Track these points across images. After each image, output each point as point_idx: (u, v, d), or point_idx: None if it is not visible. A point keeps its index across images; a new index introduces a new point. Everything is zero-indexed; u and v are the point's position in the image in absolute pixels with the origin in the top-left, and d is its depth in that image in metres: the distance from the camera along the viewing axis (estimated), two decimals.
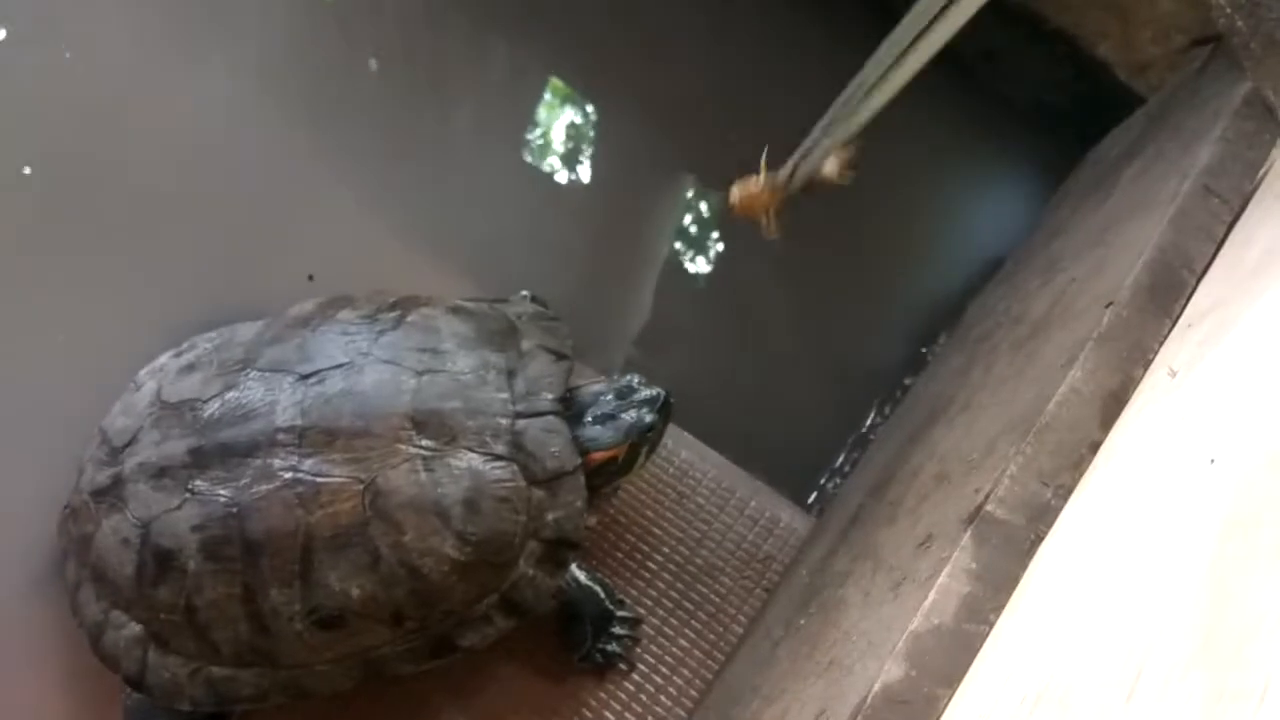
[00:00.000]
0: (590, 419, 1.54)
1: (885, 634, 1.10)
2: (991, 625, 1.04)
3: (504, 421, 1.44)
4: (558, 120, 2.20)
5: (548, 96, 2.22)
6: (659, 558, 1.72)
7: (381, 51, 2.18)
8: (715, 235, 2.14)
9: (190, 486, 1.40)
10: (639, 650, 1.64)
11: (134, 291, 1.85)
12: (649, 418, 1.54)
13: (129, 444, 1.48)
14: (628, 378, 1.60)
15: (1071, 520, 1.08)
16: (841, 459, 1.97)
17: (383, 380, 1.43)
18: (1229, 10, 1.34)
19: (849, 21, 2.25)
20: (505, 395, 1.46)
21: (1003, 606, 1.05)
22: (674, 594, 1.69)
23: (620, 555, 1.71)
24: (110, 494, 1.46)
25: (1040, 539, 1.09)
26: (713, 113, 2.22)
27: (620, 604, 1.63)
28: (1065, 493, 1.11)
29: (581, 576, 1.57)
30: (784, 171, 1.39)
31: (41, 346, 1.78)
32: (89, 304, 1.83)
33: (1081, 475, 1.12)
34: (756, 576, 1.72)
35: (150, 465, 1.44)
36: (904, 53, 1.24)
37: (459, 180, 2.08)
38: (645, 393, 1.57)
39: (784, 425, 2.01)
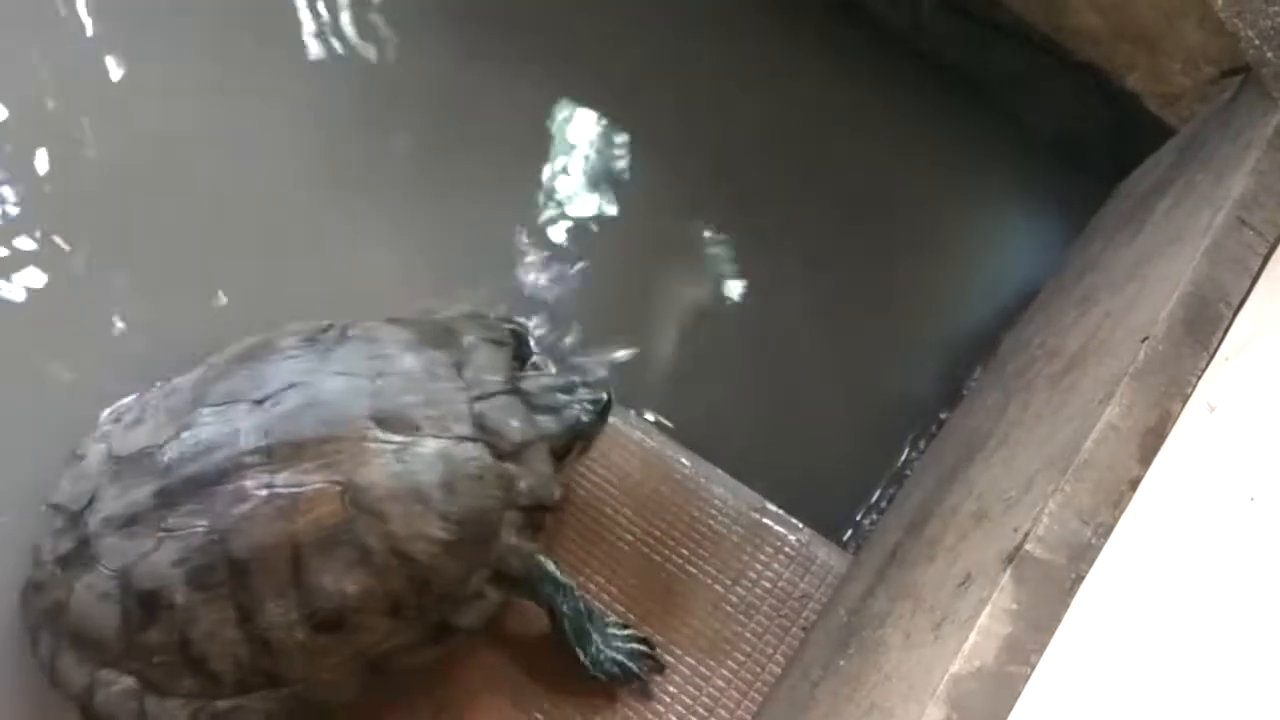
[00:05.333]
0: (537, 406, 1.57)
1: (926, 676, 1.09)
2: (1033, 666, 1.03)
3: (462, 407, 1.50)
4: (589, 159, 2.22)
5: (578, 137, 2.24)
6: (693, 595, 1.71)
7: (414, 95, 2.22)
8: (747, 273, 2.14)
9: (163, 526, 1.41)
10: (672, 689, 1.63)
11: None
12: (587, 418, 1.59)
13: (88, 505, 1.48)
14: (573, 376, 1.65)
15: (1112, 558, 1.07)
16: (878, 495, 1.96)
17: (339, 389, 1.48)
18: (1258, 42, 1.34)
19: (885, 72, 2.29)
20: (458, 384, 1.53)
21: (1044, 647, 1.04)
22: (709, 633, 1.68)
23: (654, 592, 1.71)
24: (78, 557, 1.45)
25: (1081, 578, 1.08)
26: (743, 153, 2.23)
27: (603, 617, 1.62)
28: (1105, 531, 1.10)
29: (556, 573, 1.57)
30: None
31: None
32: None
33: (1121, 513, 1.11)
34: (793, 615, 1.71)
35: (116, 517, 1.44)
36: None
37: (488, 220, 2.11)
38: (587, 393, 1.61)
39: (819, 461, 2.00)
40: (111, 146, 2.06)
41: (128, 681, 1.43)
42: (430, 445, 1.46)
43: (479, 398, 1.52)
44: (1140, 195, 1.87)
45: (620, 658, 1.59)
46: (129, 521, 1.43)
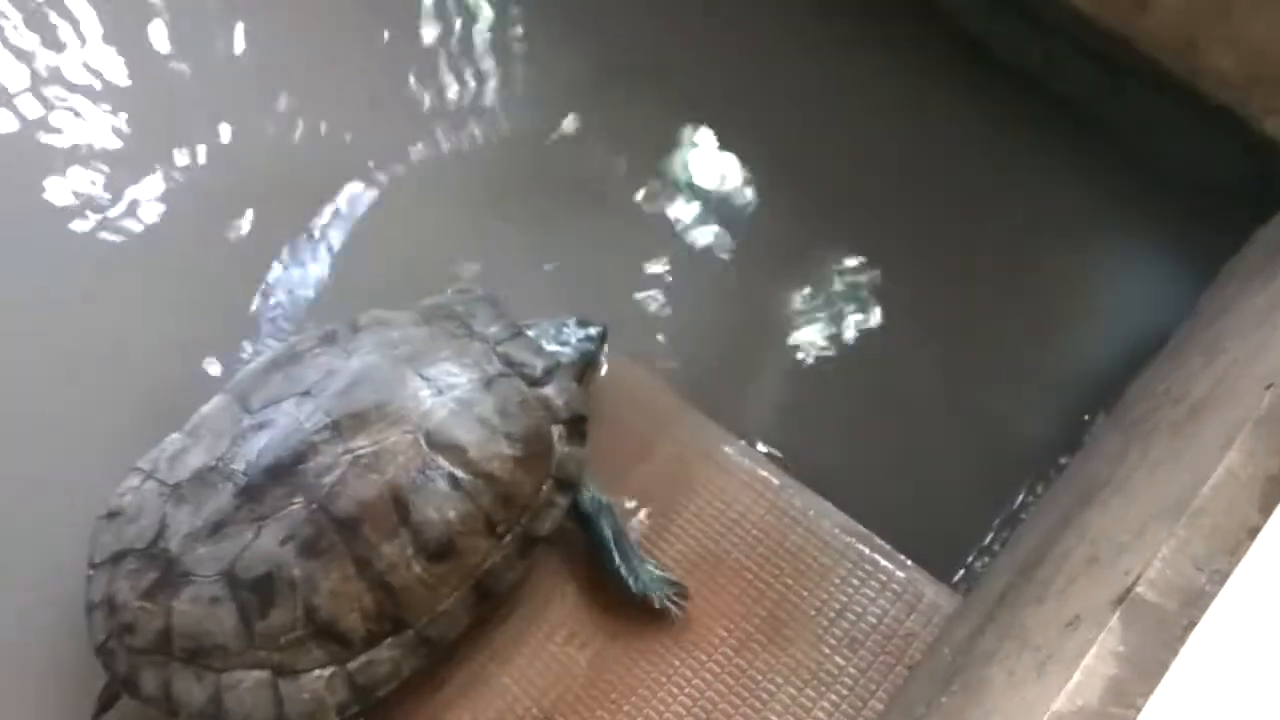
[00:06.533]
0: (548, 344, 1.80)
1: (1028, 714, 1.08)
2: (1139, 710, 1.01)
3: (487, 352, 1.72)
4: (711, 186, 2.25)
5: (698, 161, 2.28)
6: (796, 625, 1.72)
7: (548, 125, 2.31)
8: (865, 308, 2.15)
9: (257, 516, 1.51)
10: (772, 718, 1.64)
11: None
12: (593, 345, 1.85)
13: (159, 536, 1.53)
14: (568, 318, 1.87)
15: (1227, 606, 1.05)
16: (990, 537, 1.93)
17: (378, 364, 1.65)
18: None
19: (1016, 113, 2.27)
20: (475, 337, 1.74)
21: (1151, 691, 1.02)
22: (810, 665, 1.68)
23: (757, 621, 1.72)
24: (166, 582, 1.50)
25: (1193, 624, 1.05)
26: (867, 188, 2.25)
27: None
28: (1220, 578, 1.07)
29: (594, 492, 1.74)
30: None
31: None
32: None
33: (1238, 561, 1.08)
34: (898, 653, 1.69)
35: (200, 530, 1.51)
36: None
37: (612, 245, 2.18)
38: (585, 329, 1.86)
39: (933, 501, 1.98)
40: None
41: (256, 674, 1.50)
42: (475, 385, 1.65)
43: (498, 343, 1.74)
44: (1278, 242, 1.81)
45: (661, 576, 1.72)
46: (216, 528, 1.51)
